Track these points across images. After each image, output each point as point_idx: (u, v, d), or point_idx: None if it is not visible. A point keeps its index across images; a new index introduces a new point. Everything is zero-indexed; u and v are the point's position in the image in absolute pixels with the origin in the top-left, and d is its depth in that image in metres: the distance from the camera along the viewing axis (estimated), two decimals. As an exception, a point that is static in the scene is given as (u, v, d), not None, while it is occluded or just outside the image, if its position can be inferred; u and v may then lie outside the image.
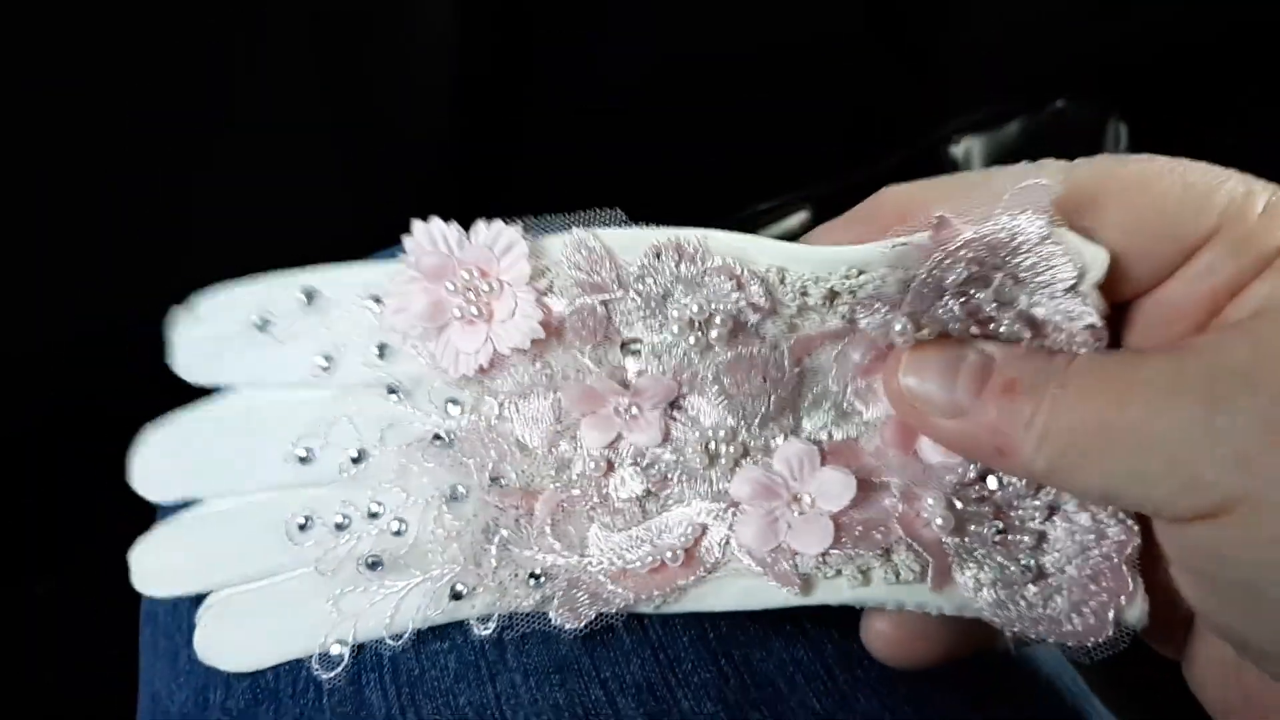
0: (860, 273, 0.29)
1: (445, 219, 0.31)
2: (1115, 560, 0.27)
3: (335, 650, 0.30)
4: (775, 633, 0.32)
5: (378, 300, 0.32)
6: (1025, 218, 0.27)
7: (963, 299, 0.27)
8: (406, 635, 0.30)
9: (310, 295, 0.33)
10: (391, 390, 0.32)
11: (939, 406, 0.26)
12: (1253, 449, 0.22)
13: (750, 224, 0.78)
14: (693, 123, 0.76)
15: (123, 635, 0.35)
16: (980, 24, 0.78)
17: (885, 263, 0.28)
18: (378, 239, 0.48)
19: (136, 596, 0.34)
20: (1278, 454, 0.22)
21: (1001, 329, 0.26)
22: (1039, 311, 0.27)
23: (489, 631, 0.30)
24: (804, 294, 0.30)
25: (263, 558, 0.32)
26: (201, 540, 0.33)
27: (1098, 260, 0.27)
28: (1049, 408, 0.25)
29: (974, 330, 0.27)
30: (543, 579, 0.30)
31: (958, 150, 0.78)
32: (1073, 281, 0.27)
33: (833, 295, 0.29)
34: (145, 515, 0.37)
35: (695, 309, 0.30)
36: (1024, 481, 0.28)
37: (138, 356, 0.65)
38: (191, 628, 0.32)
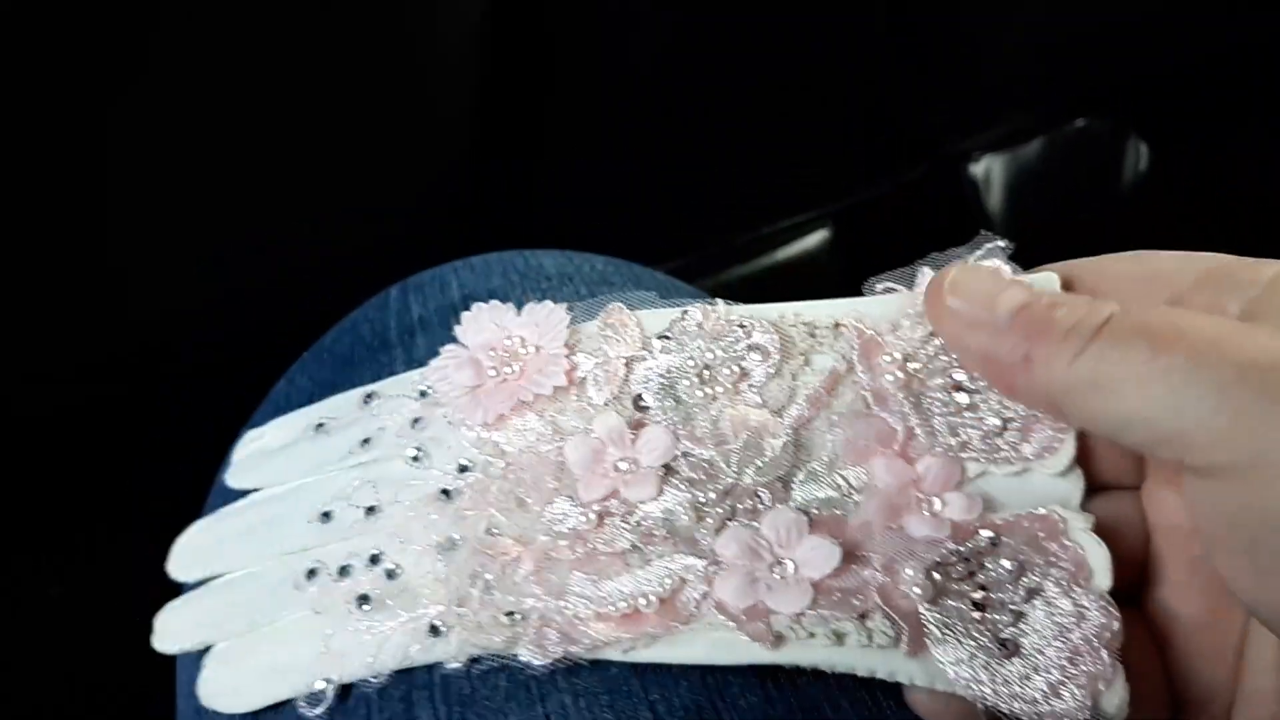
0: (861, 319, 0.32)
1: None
2: (1095, 644, 0.27)
3: (320, 686, 0.31)
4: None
5: (424, 394, 0.36)
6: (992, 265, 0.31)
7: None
8: (387, 673, 0.31)
9: (369, 398, 0.37)
10: (415, 457, 0.34)
11: (977, 320, 0.27)
12: None
13: (769, 242, 0.78)
14: (712, 140, 0.76)
15: (136, 639, 0.35)
16: (998, 39, 0.78)
17: (880, 311, 0.32)
18: (397, 245, 0.48)
19: (150, 601, 0.35)
20: None
21: None
22: None
23: (458, 666, 0.30)
24: (812, 334, 0.33)
25: (272, 608, 0.33)
26: (220, 602, 0.34)
27: (1053, 285, 0.30)
28: (1098, 319, 0.25)
29: (954, 367, 0.31)
30: (517, 617, 0.30)
31: (977, 169, 0.79)
32: None
33: (836, 328, 0.33)
34: (163, 519, 0.38)
35: (705, 358, 0.33)
36: (1005, 566, 0.29)
37: (157, 360, 0.65)
38: None
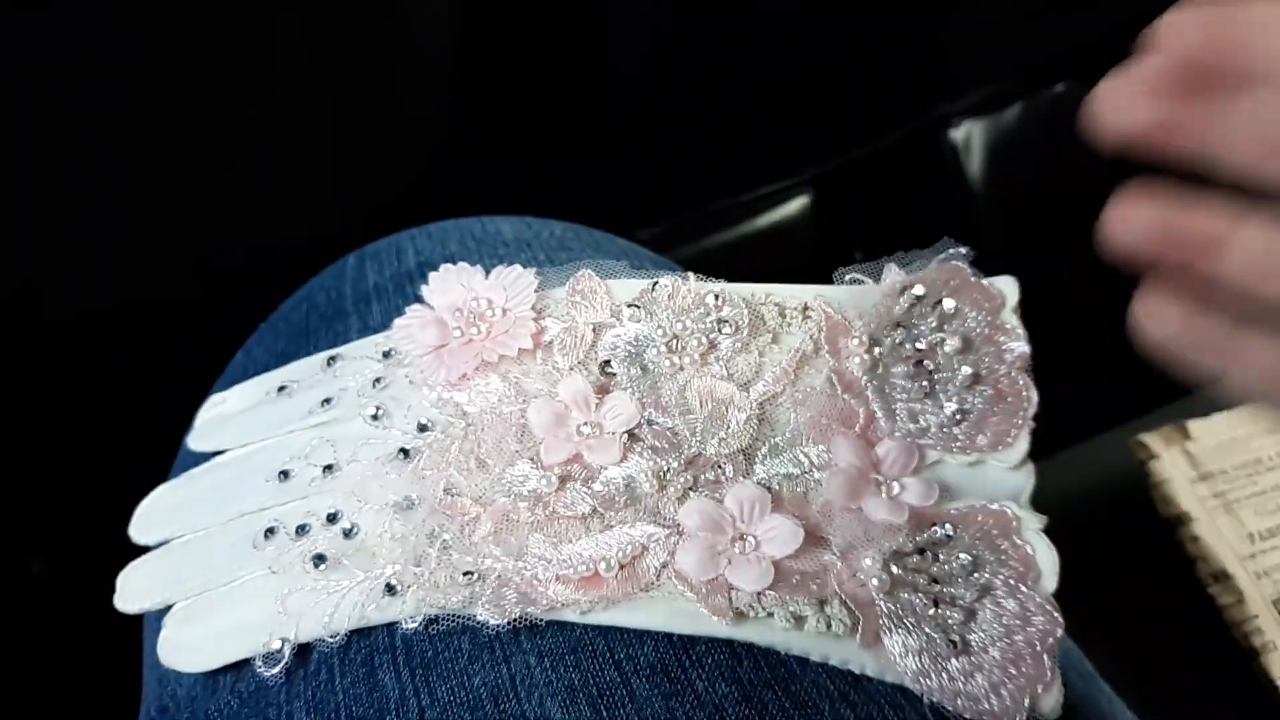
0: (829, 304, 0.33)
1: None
2: (1038, 648, 0.28)
3: (276, 646, 0.31)
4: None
5: (387, 355, 0.36)
6: (950, 266, 0.32)
7: (905, 328, 0.32)
8: (343, 632, 0.31)
9: (332, 360, 0.37)
10: (374, 416, 0.34)
11: None
12: None
13: (750, 209, 0.78)
14: (691, 106, 0.76)
15: (120, 616, 0.35)
16: (978, 4, 0.78)
17: (847, 298, 0.33)
18: (378, 224, 0.48)
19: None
20: None
21: (938, 359, 0.31)
22: (973, 337, 0.32)
23: (415, 626, 0.31)
24: (781, 314, 0.34)
25: (229, 567, 0.33)
26: (179, 560, 0.35)
27: (1012, 287, 0.32)
28: None
29: (917, 356, 0.32)
30: (474, 576, 0.31)
31: (958, 134, 0.78)
32: (998, 308, 0.31)
33: (805, 310, 0.33)
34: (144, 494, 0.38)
35: (675, 328, 0.33)
36: (960, 560, 0.29)
37: (137, 335, 0.65)
38: None
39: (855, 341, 0.32)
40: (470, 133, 0.71)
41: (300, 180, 0.64)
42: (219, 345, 0.47)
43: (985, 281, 0.32)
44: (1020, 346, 0.31)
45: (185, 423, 0.40)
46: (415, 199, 0.67)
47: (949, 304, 0.32)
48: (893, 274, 0.33)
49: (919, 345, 0.32)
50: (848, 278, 0.34)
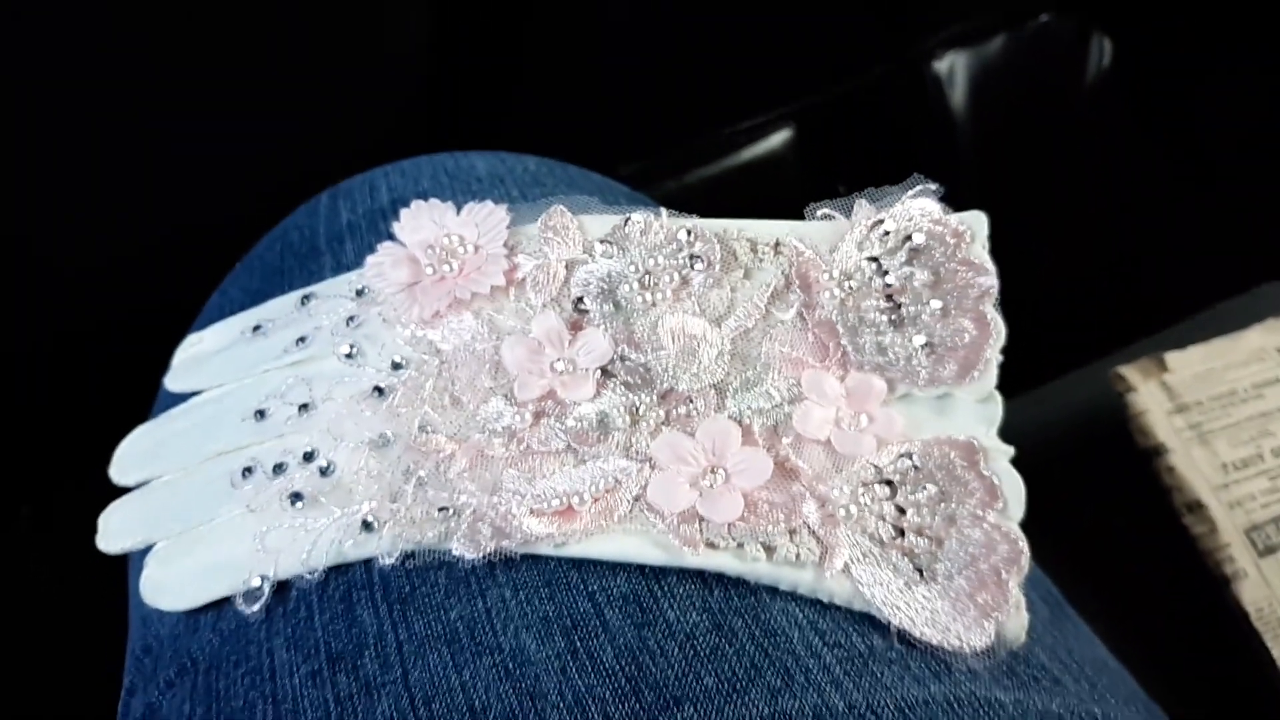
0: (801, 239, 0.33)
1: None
2: (1002, 575, 0.29)
3: (256, 584, 0.32)
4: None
5: (360, 293, 0.36)
6: (919, 201, 0.33)
7: (876, 262, 0.32)
8: (321, 568, 0.31)
9: (306, 299, 0.37)
10: (348, 355, 0.35)
11: None
12: None
13: (732, 143, 0.77)
14: (672, 40, 0.75)
15: (106, 560, 0.36)
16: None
17: (819, 234, 0.33)
18: (356, 162, 0.47)
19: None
20: None
21: (907, 293, 0.32)
22: (941, 271, 0.32)
23: (392, 561, 0.31)
24: (753, 249, 0.34)
25: (208, 506, 0.34)
26: (158, 500, 0.35)
27: (980, 222, 0.32)
28: None
29: (886, 290, 0.32)
30: (450, 512, 0.31)
31: (941, 66, 0.77)
32: (967, 243, 0.32)
33: (777, 246, 0.33)
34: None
35: (647, 264, 0.33)
36: (926, 491, 0.30)
37: (117, 279, 0.64)
38: None
39: (826, 276, 0.33)
40: (450, 68, 0.70)
41: (276, 118, 0.64)
42: (197, 287, 0.47)
43: (954, 217, 0.32)
44: (988, 280, 0.31)
45: (166, 364, 0.40)
46: (394, 135, 0.66)
47: (918, 239, 0.32)
48: (863, 210, 0.33)
49: (888, 280, 0.32)
50: (819, 213, 0.34)
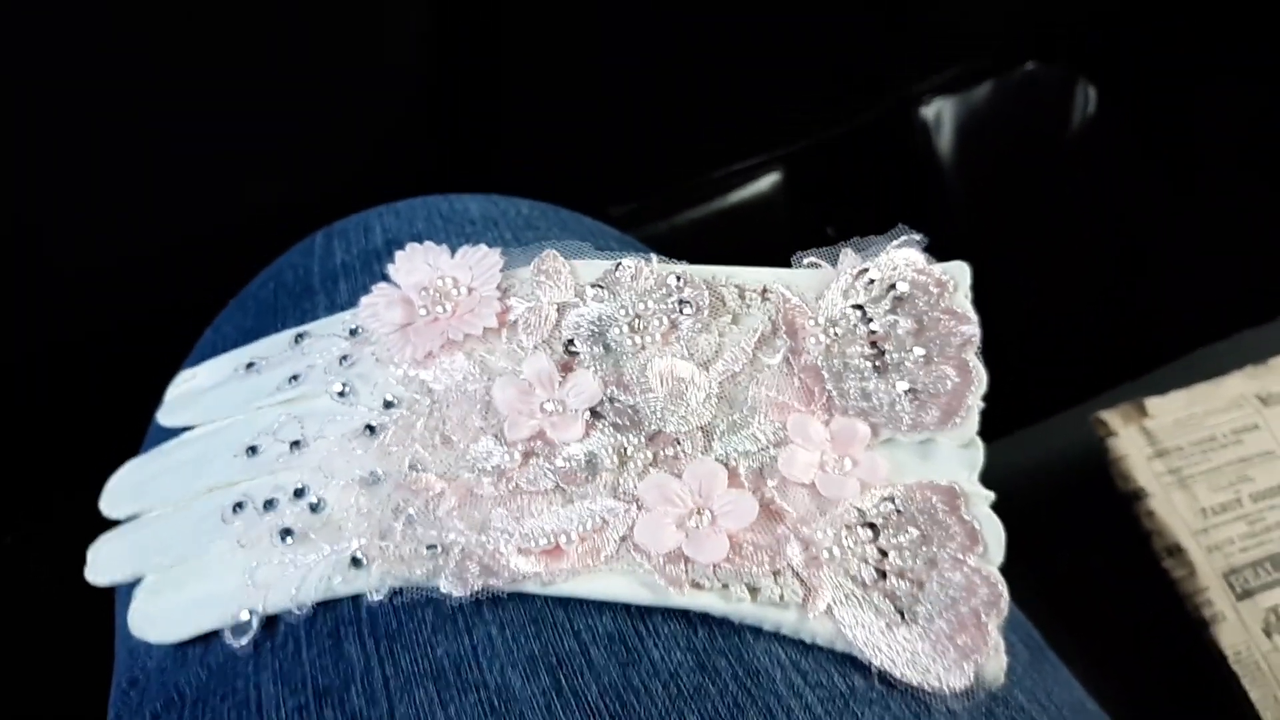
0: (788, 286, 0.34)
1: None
2: (981, 618, 0.29)
3: (244, 618, 0.32)
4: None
5: (353, 332, 0.36)
6: (904, 251, 0.34)
7: (861, 310, 0.33)
8: (310, 604, 0.32)
9: (299, 337, 0.37)
10: (341, 393, 0.35)
11: None
12: None
13: (722, 186, 0.78)
14: (663, 83, 0.76)
15: (92, 590, 0.36)
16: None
17: (806, 281, 0.34)
18: (349, 202, 0.48)
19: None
20: None
21: (891, 340, 0.33)
22: (925, 319, 0.33)
23: (380, 598, 0.31)
24: (741, 295, 0.34)
25: (199, 541, 0.34)
26: (149, 534, 0.35)
27: (963, 272, 0.33)
28: None
29: (870, 337, 0.33)
30: (438, 549, 0.31)
31: (928, 112, 0.79)
32: (950, 292, 0.33)
33: (764, 293, 0.34)
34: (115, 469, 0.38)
35: (637, 308, 0.34)
36: (909, 534, 0.30)
37: (108, 311, 0.65)
38: None
39: (812, 323, 0.33)
40: (442, 110, 0.71)
41: (270, 156, 0.64)
42: (190, 322, 0.47)
43: (938, 267, 0.33)
44: (970, 329, 0.32)
45: (156, 398, 0.40)
46: (387, 176, 0.67)
47: (902, 288, 0.33)
48: (849, 259, 0.34)
49: (873, 327, 0.33)
50: (806, 262, 0.35)
